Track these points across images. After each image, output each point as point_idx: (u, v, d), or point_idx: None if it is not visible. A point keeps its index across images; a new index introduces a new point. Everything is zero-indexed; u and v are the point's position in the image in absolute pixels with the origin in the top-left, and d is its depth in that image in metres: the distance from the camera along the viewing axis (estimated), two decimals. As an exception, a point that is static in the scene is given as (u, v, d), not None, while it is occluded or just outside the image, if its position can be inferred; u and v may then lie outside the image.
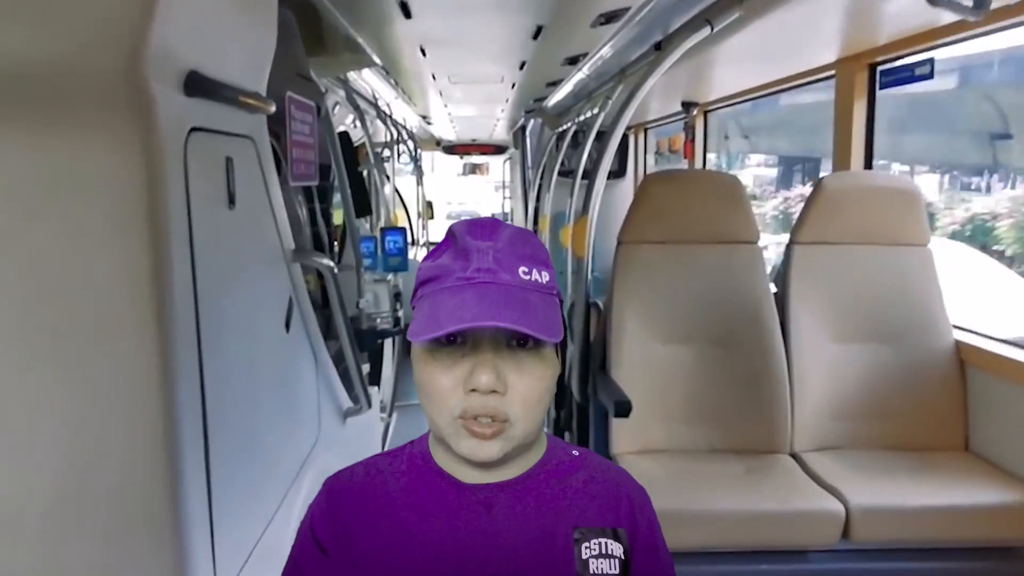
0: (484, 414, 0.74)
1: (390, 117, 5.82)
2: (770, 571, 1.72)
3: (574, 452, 0.87)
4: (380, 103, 5.13)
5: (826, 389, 2.07)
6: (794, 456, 2.02)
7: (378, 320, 5.32)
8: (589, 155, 4.03)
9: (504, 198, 9.75)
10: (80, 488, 1.07)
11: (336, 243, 4.26)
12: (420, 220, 7.85)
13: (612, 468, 0.89)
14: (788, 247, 2.16)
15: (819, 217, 2.08)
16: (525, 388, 0.75)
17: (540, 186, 6.10)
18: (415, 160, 7.04)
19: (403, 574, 0.79)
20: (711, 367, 2.08)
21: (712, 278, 2.11)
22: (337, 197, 3.30)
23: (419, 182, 7.28)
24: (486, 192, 13.54)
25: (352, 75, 3.79)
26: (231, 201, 1.43)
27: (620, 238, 2.16)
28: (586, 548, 0.79)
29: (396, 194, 9.03)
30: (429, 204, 8.70)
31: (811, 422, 2.05)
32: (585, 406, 2.20)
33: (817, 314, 2.10)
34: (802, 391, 2.06)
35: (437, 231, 10.48)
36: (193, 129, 1.24)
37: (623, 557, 0.80)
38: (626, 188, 6.36)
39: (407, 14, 2.35)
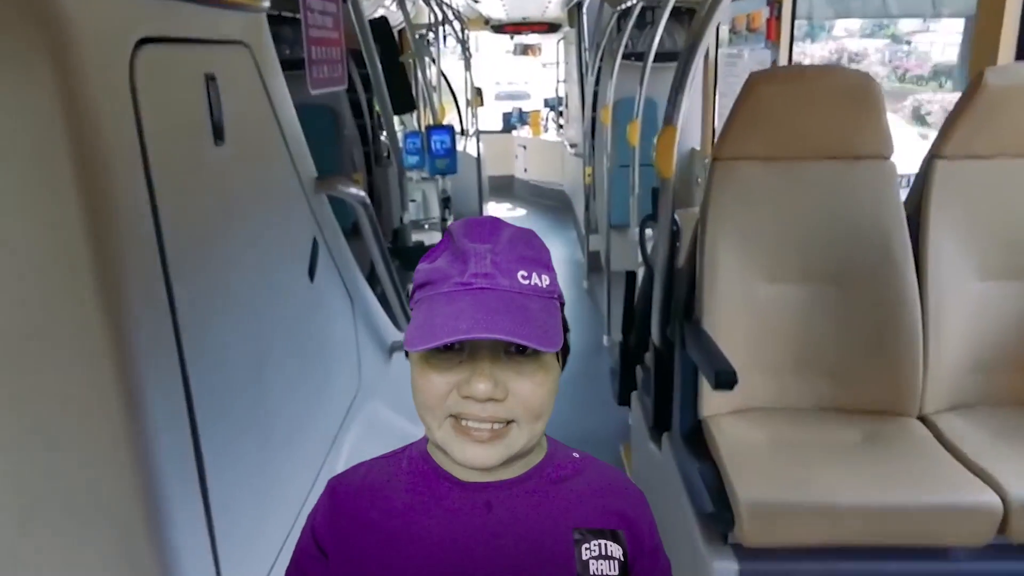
0: (480, 420, 0.72)
1: (434, -5, 5.26)
2: (901, 571, 1.42)
3: (575, 455, 0.86)
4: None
5: (968, 338, 1.67)
6: (923, 420, 1.66)
7: (426, 226, 5.00)
8: (662, 38, 3.51)
9: (558, 81, 9.07)
10: (40, 491, 0.82)
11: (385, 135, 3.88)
12: (469, 108, 7.34)
13: (612, 471, 0.88)
14: (928, 162, 1.69)
15: (972, 124, 1.61)
16: (526, 394, 0.73)
17: (600, 69, 5.52)
18: (462, 43, 6.47)
19: (403, 574, 0.77)
20: (825, 310, 1.70)
21: (831, 202, 1.68)
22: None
23: (467, 67, 6.73)
24: (536, 71, 12.74)
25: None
26: (218, 134, 1.08)
27: (715, 153, 1.73)
28: (586, 549, 0.79)
29: (443, 81, 8.51)
30: (478, 91, 8.15)
31: (947, 378, 1.67)
32: (667, 356, 1.86)
33: (962, 247, 1.67)
34: (938, 340, 1.66)
35: (488, 119, 9.93)
36: (143, 41, 0.88)
37: (622, 559, 0.80)
38: (699, 72, 5.72)
39: None
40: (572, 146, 7.37)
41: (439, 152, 3.67)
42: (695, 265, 1.80)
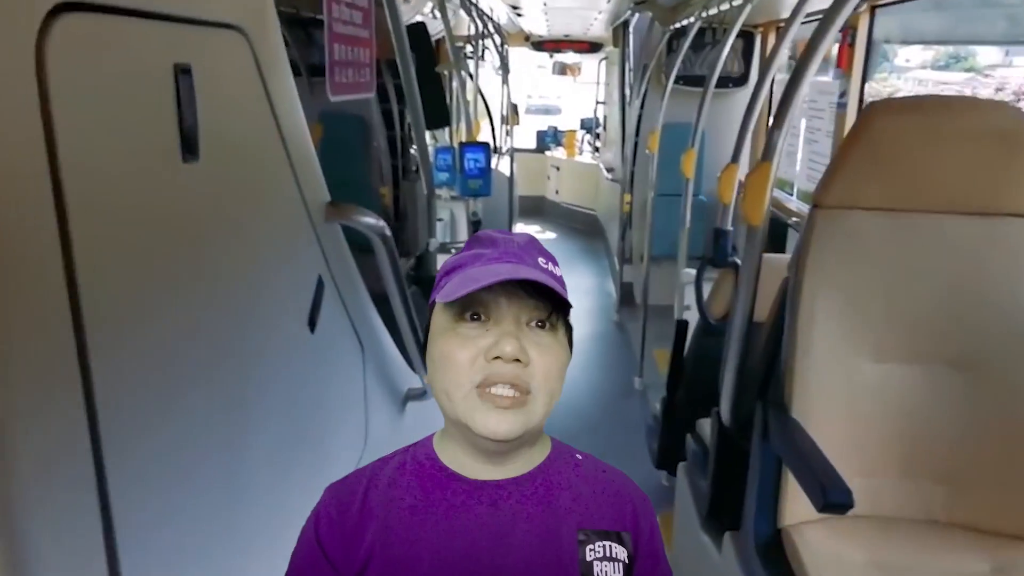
0: (506, 381, 0.74)
1: (475, 6, 5.00)
2: None
3: (578, 456, 0.88)
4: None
5: None
6: None
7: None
8: (726, 61, 3.20)
9: (597, 102, 8.78)
10: None
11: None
12: (504, 126, 7.07)
13: (615, 473, 0.88)
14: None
15: None
16: (546, 363, 0.76)
17: (645, 92, 5.22)
18: (502, 58, 6.21)
19: (410, 572, 0.76)
20: (945, 400, 1.37)
21: (964, 267, 1.35)
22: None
23: (504, 82, 6.46)
24: (569, 86, 12.44)
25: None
26: (188, 145, 0.79)
27: (818, 199, 1.40)
28: (591, 550, 0.79)
29: (479, 96, 8.26)
30: (515, 108, 7.88)
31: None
32: (738, 442, 1.53)
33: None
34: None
35: (520, 136, 9.65)
36: (63, 7, 0.59)
37: (627, 561, 0.80)
38: (747, 98, 5.41)
39: None
40: (608, 171, 7.07)
41: (472, 172, 3.38)
42: (778, 330, 1.47)
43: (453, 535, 0.77)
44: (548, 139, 9.59)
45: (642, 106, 5.38)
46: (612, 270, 6.42)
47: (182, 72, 0.77)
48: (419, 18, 3.77)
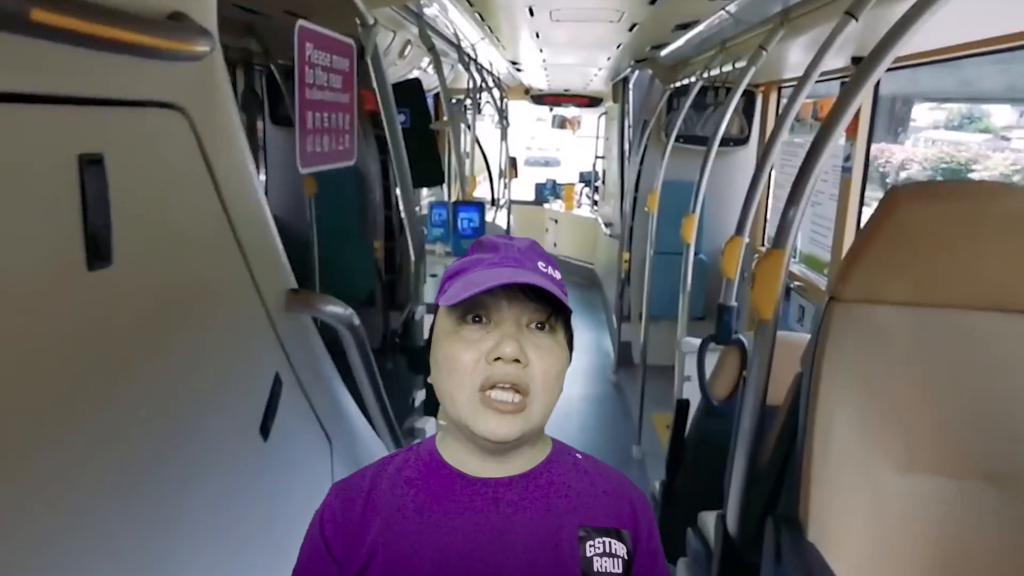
0: (507, 382, 0.76)
1: (474, 61, 4.96)
2: None
3: (577, 455, 0.89)
4: (463, 44, 4.29)
5: None
6: None
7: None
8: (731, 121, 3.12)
9: (596, 156, 8.75)
10: None
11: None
12: (502, 179, 7.01)
13: (614, 472, 0.90)
14: None
15: None
16: (545, 364, 0.78)
17: (645, 149, 5.16)
18: (501, 112, 6.17)
19: (412, 568, 0.78)
20: (981, 518, 1.21)
21: (1002, 370, 1.20)
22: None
23: (503, 136, 6.42)
24: (568, 138, 12.46)
25: (433, 8, 2.96)
26: (97, 251, 0.65)
27: (835, 291, 1.26)
28: (591, 546, 0.80)
29: (477, 148, 8.23)
30: (513, 161, 7.84)
31: None
32: (747, 556, 1.37)
33: None
34: None
35: (519, 188, 9.61)
36: None
37: (627, 557, 0.81)
38: (748, 158, 5.35)
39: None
40: (607, 225, 6.99)
41: (466, 232, 3.27)
42: (790, 431, 1.33)
43: (455, 532, 0.79)
44: (547, 192, 9.55)
45: (641, 162, 5.31)
46: (610, 327, 6.28)
47: (90, 163, 0.64)
48: (416, 73, 3.70)
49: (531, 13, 2.68)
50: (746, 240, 2.23)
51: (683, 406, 2.56)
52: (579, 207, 9.13)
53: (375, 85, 1.77)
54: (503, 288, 0.77)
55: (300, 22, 1.18)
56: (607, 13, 2.70)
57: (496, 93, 6.68)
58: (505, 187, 6.85)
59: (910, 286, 1.24)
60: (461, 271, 0.82)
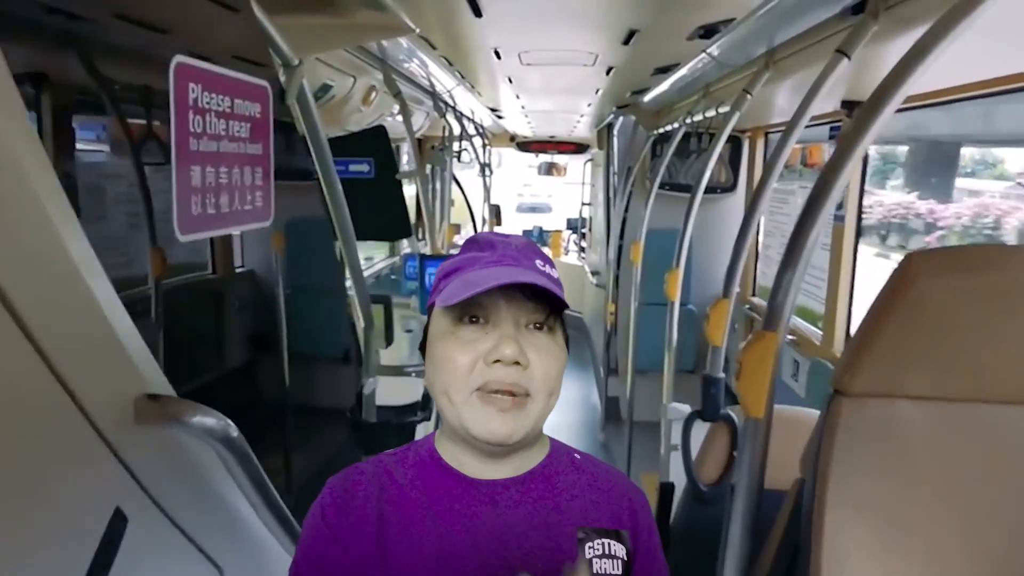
0: (506, 386, 0.76)
1: (452, 108, 4.80)
2: None
3: (576, 455, 0.88)
4: (439, 90, 4.12)
5: None
6: None
7: (413, 374, 4.30)
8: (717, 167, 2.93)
9: (582, 203, 8.60)
10: None
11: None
12: (485, 226, 6.82)
13: (613, 472, 0.89)
14: None
15: None
16: (545, 365, 0.78)
17: (630, 196, 4.98)
18: (479, 160, 6.01)
19: (409, 568, 0.77)
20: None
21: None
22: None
23: (485, 185, 6.25)
24: (559, 187, 12.40)
25: (398, 53, 2.77)
26: None
27: (840, 384, 1.02)
28: (590, 548, 0.80)
29: (460, 193, 8.06)
30: (497, 210, 7.67)
31: None
32: None
33: None
34: None
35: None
36: None
37: (626, 558, 0.80)
38: (736, 205, 5.18)
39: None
40: (594, 273, 6.78)
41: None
42: (790, 551, 1.08)
43: (453, 533, 0.78)
44: (533, 239, 9.38)
45: (626, 210, 5.12)
46: (597, 381, 6.02)
47: None
48: (387, 120, 3.52)
49: (498, 56, 2.50)
50: (734, 297, 2.01)
51: (667, 489, 2.31)
52: (567, 254, 8.95)
53: (304, 131, 1.55)
54: (501, 288, 0.75)
55: (178, 59, 0.96)
56: (579, 56, 2.52)
57: (478, 141, 6.53)
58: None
59: (932, 376, 1.00)
60: (457, 270, 0.80)
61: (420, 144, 7.44)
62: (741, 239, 1.91)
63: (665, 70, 2.83)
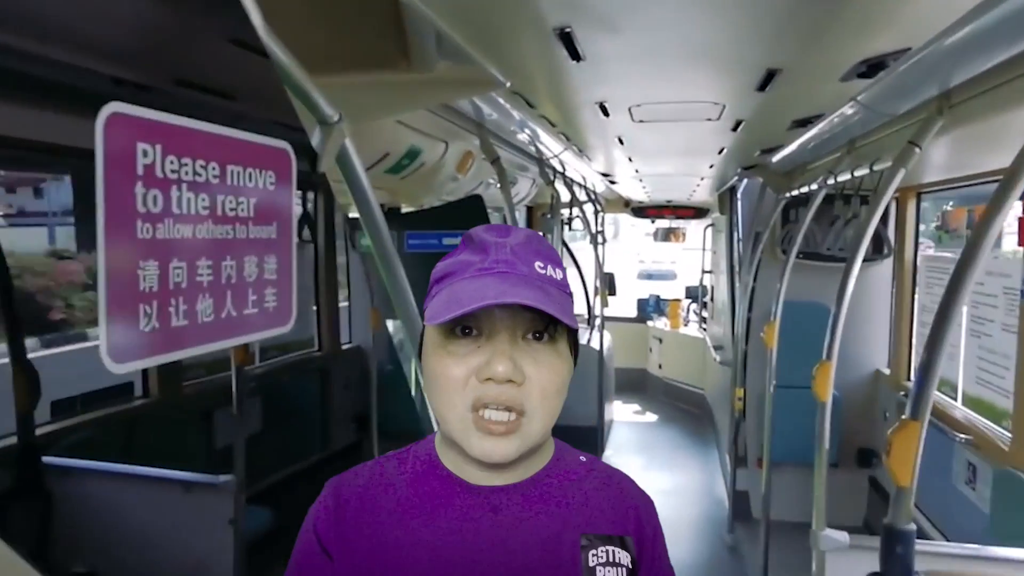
0: (500, 403, 0.73)
1: (561, 175, 4.50)
2: None
3: (581, 458, 0.87)
4: (545, 155, 3.84)
5: None
6: None
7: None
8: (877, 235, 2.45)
9: (703, 271, 8.03)
10: None
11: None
12: (597, 297, 6.42)
13: (619, 476, 0.87)
14: None
15: None
16: (543, 380, 0.75)
17: (759, 265, 4.46)
18: (591, 228, 5.66)
19: (409, 574, 0.76)
20: None
21: None
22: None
23: (596, 252, 5.88)
24: (682, 253, 11.85)
25: (495, 113, 2.50)
26: None
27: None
28: (593, 555, 0.79)
29: (572, 262, 7.71)
30: (610, 279, 7.26)
31: None
32: None
33: None
34: None
35: (623, 306, 8.95)
36: None
37: (630, 566, 0.80)
38: (883, 275, 4.54)
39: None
40: (717, 348, 6.19)
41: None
42: None
43: (453, 540, 0.76)
44: (650, 308, 8.85)
45: (755, 280, 4.59)
46: (723, 472, 5.37)
47: None
48: (482, 189, 3.24)
49: (604, 112, 2.15)
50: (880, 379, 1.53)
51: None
52: (686, 325, 8.36)
53: (319, 211, 1.24)
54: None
55: (111, 108, 0.66)
56: (702, 108, 2.14)
57: (589, 208, 6.20)
58: (603, 304, 6.22)
59: None
60: (447, 276, 0.78)
61: (531, 212, 7.22)
62: (899, 311, 1.43)
63: (805, 122, 2.39)
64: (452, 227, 2.74)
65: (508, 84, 1.81)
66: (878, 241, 4.13)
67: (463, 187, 3.00)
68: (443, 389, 0.75)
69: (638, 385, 8.29)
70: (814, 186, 3.22)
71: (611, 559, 0.79)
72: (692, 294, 8.51)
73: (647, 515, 0.84)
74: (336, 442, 4.53)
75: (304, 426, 4.37)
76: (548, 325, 0.75)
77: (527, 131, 2.72)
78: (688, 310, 8.48)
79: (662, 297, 8.91)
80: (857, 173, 2.56)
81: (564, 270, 0.80)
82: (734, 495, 4.58)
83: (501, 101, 2.06)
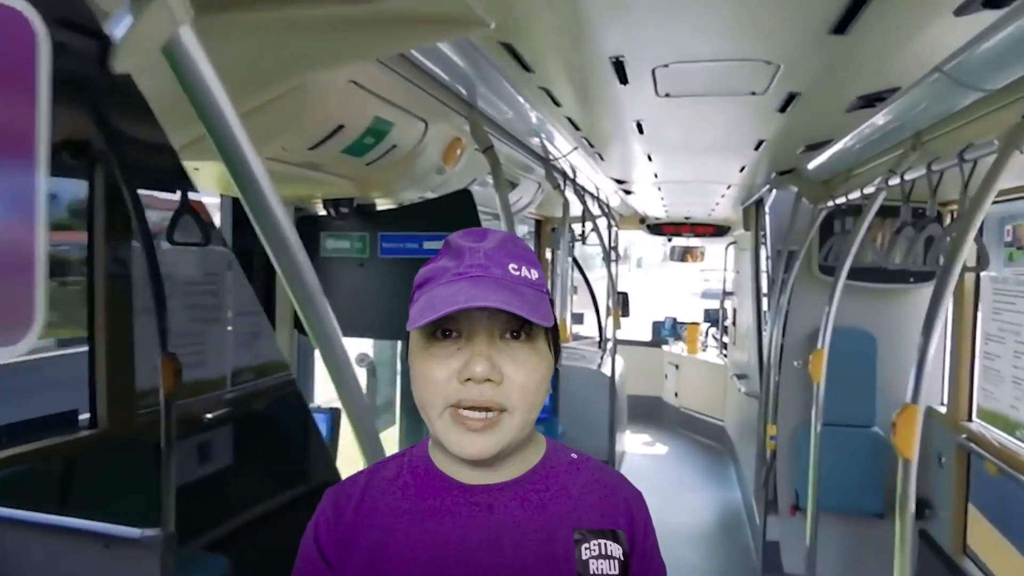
0: (480, 404, 0.76)
1: (572, 181, 4.03)
2: None
3: (573, 455, 0.89)
4: (553, 155, 3.37)
5: None
6: None
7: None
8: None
9: (724, 293, 7.49)
10: None
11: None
12: (609, 318, 5.91)
13: (610, 471, 0.90)
14: None
15: None
16: (521, 378, 0.77)
17: (792, 286, 3.95)
18: (605, 243, 5.18)
19: (407, 575, 0.78)
20: None
21: None
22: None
23: (609, 271, 5.38)
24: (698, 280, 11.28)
25: (480, 85, 2.05)
26: None
27: None
28: (586, 549, 0.81)
29: (584, 281, 7.22)
30: (623, 297, 6.75)
31: None
32: None
33: None
34: None
35: (637, 329, 8.39)
36: None
37: (623, 558, 0.82)
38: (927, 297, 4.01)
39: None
40: (740, 378, 5.66)
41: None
42: None
43: (448, 540, 0.79)
44: (665, 332, 8.32)
45: (788, 302, 4.08)
46: (750, 520, 4.81)
47: None
48: (474, 184, 2.76)
49: (622, 76, 1.67)
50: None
51: None
52: (704, 350, 7.82)
53: (216, 150, 0.78)
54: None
55: None
56: (747, 74, 1.65)
57: (603, 222, 5.72)
58: (615, 327, 5.71)
59: None
60: (426, 282, 0.80)
61: (539, 226, 6.74)
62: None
63: (873, 100, 1.90)
64: (435, 228, 2.27)
65: (492, 25, 1.34)
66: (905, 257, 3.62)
67: (452, 183, 2.52)
68: (426, 390, 0.78)
69: (652, 414, 7.74)
70: (869, 189, 2.72)
71: (604, 552, 0.81)
72: (711, 318, 7.98)
73: (638, 509, 0.86)
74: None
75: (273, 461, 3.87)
76: (524, 324, 0.78)
77: (526, 110, 2.24)
78: (707, 334, 7.94)
79: (678, 320, 8.38)
80: (936, 168, 2.06)
81: (540, 269, 0.82)
82: (764, 546, 4.03)
83: (487, 58, 1.59)
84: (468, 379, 0.75)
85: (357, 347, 2.45)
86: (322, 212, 2.45)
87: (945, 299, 1.60)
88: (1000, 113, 1.80)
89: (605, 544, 0.81)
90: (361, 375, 2.44)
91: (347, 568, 0.80)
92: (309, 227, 2.41)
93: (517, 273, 0.78)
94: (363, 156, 1.89)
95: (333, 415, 2.19)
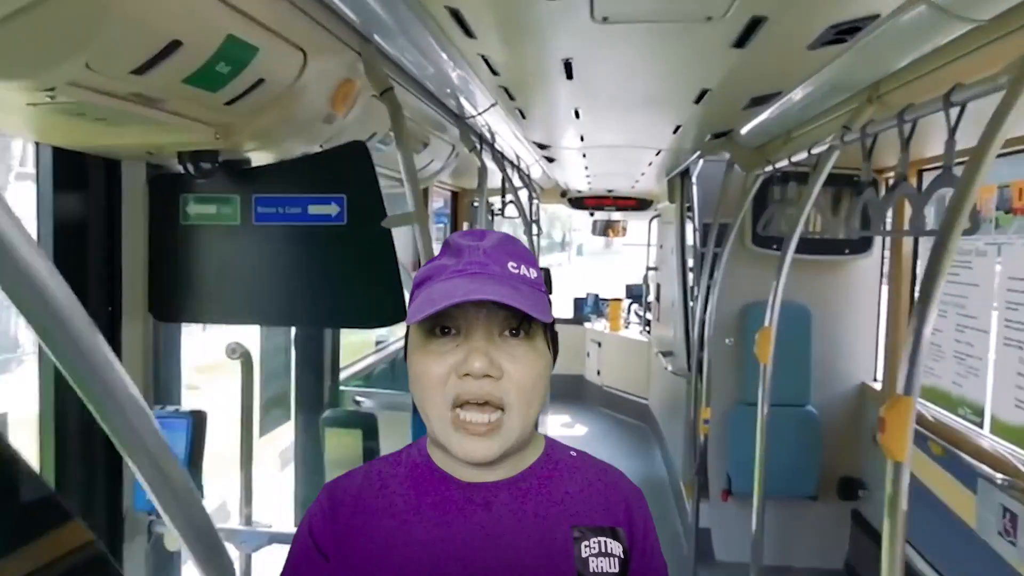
0: (478, 398, 0.77)
1: (488, 144, 3.64)
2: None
3: (572, 453, 0.89)
4: (467, 112, 2.98)
5: None
6: None
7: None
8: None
9: (648, 268, 7.29)
10: None
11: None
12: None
13: (610, 469, 0.90)
14: None
15: None
16: (519, 375, 0.78)
17: (714, 260, 3.71)
18: (525, 215, 4.83)
19: (404, 574, 0.78)
20: None
21: None
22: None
23: (531, 244, 5.04)
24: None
25: (390, 20, 1.64)
26: None
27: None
28: (585, 546, 0.80)
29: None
30: (546, 273, 6.44)
31: None
32: None
33: None
34: None
35: (558, 306, 8.11)
36: None
37: (622, 556, 0.81)
38: (869, 270, 3.85)
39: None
40: (665, 355, 5.44)
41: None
42: None
43: (447, 537, 0.79)
44: (587, 309, 8.09)
45: (711, 277, 3.83)
46: (678, 506, 4.61)
47: None
48: (375, 139, 2.34)
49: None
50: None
51: None
52: (627, 327, 7.63)
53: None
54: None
55: None
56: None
57: (523, 194, 5.36)
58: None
59: None
60: (427, 280, 0.80)
61: (456, 198, 6.33)
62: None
63: (840, 35, 1.60)
64: (321, 188, 1.85)
65: None
66: (864, 224, 3.44)
67: (348, 138, 2.08)
68: (425, 387, 0.78)
69: (574, 394, 7.51)
70: (817, 149, 2.46)
71: (603, 550, 0.81)
72: (634, 293, 7.78)
73: (638, 507, 0.87)
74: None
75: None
76: (523, 321, 0.79)
77: (434, 48, 1.85)
78: (630, 311, 7.75)
79: (600, 297, 8.16)
80: (909, 117, 1.78)
81: (538, 269, 0.82)
82: (696, 534, 3.81)
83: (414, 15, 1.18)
84: (466, 374, 0.76)
85: (229, 336, 2.00)
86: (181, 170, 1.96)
87: (944, 266, 1.30)
88: (992, 48, 1.53)
89: (605, 542, 0.81)
90: (235, 369, 2.00)
91: (345, 563, 0.80)
92: (166, 188, 1.94)
93: (516, 271, 0.79)
94: (218, 91, 1.44)
95: (194, 419, 1.75)
